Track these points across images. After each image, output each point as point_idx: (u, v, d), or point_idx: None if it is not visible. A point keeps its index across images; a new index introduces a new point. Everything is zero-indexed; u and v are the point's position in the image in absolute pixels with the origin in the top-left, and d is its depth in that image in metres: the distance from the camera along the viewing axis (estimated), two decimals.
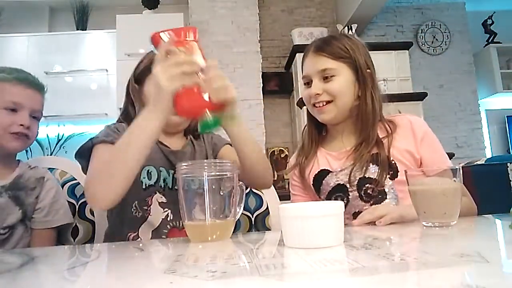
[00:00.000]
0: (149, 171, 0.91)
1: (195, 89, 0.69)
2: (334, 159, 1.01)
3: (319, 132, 1.09)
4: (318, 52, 0.99)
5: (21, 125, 0.95)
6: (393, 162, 0.94)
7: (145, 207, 0.89)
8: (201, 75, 0.70)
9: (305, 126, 1.12)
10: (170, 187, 0.93)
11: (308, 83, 1.02)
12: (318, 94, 0.97)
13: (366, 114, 0.97)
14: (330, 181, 0.99)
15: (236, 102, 0.74)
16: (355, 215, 0.94)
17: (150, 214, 0.89)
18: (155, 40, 0.73)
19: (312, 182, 1.03)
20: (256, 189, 1.18)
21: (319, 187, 1.01)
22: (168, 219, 0.90)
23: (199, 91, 0.70)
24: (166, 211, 0.91)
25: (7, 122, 0.93)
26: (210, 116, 0.70)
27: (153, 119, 0.71)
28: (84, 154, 0.88)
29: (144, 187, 0.90)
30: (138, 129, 0.71)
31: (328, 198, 0.99)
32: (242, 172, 0.89)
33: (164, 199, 0.91)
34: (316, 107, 1.00)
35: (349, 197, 0.96)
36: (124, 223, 0.90)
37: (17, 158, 1.04)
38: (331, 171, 1.00)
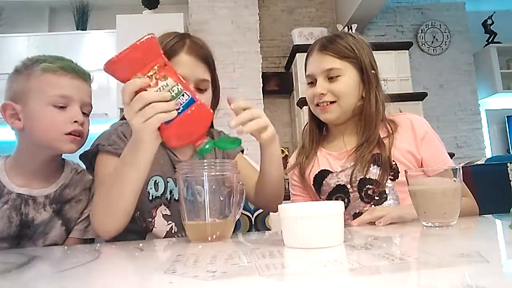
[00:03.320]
0: (157, 182, 0.88)
1: (178, 124, 0.64)
2: (335, 159, 1.01)
3: (320, 131, 1.09)
4: (323, 51, 0.98)
5: (75, 121, 0.84)
6: (394, 163, 0.94)
7: (149, 219, 0.87)
8: (182, 96, 0.64)
9: (306, 125, 1.11)
10: (176, 198, 0.89)
11: (312, 82, 1.01)
12: (322, 94, 0.96)
13: (370, 115, 0.96)
14: (331, 182, 0.99)
15: (268, 125, 0.76)
16: (356, 215, 0.93)
17: (155, 226, 0.87)
18: (112, 70, 0.62)
19: (312, 182, 1.03)
20: (261, 209, 1.16)
21: (320, 188, 1.01)
22: (173, 231, 0.88)
23: (183, 124, 0.64)
24: (170, 223, 0.88)
25: (59, 122, 0.82)
26: (204, 141, 0.68)
27: (141, 158, 0.69)
28: (89, 158, 0.87)
29: (150, 198, 0.87)
30: (128, 166, 0.70)
31: (329, 198, 0.99)
32: (256, 191, 0.90)
33: (168, 212, 0.89)
34: (320, 106, 0.99)
35: (350, 197, 0.96)
36: (127, 234, 0.88)
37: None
38: (332, 172, 0.99)
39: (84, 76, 0.89)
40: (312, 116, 1.07)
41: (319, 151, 1.06)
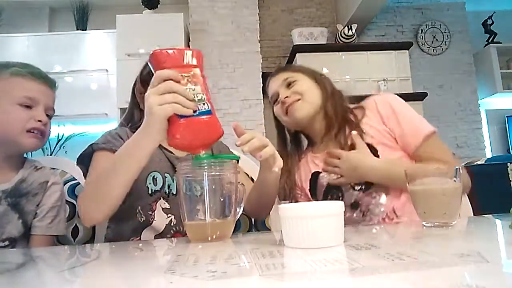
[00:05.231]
0: (155, 177, 0.91)
1: (189, 124, 0.65)
2: (320, 161, 1.05)
3: (297, 145, 1.16)
4: (277, 73, 1.12)
5: (39, 120, 0.90)
6: (371, 145, 0.97)
7: (150, 212, 0.89)
8: (203, 104, 0.66)
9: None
10: (174, 193, 0.92)
11: (276, 100, 1.09)
12: (287, 97, 1.04)
13: (332, 109, 1.04)
14: (323, 181, 1.02)
15: (274, 154, 0.79)
16: (354, 205, 0.97)
17: (154, 219, 0.89)
18: (156, 58, 0.67)
19: (308, 188, 1.05)
20: (250, 215, 1.18)
21: (315, 190, 1.04)
22: (172, 224, 0.90)
23: (192, 127, 0.66)
24: (170, 216, 0.90)
25: (24, 118, 0.88)
26: (199, 153, 0.69)
27: (143, 146, 0.70)
28: (85, 160, 0.89)
29: (150, 192, 0.90)
30: (127, 155, 0.71)
31: (325, 196, 1.01)
32: (248, 198, 0.93)
33: (167, 205, 0.91)
34: (289, 111, 1.04)
35: (343, 190, 0.99)
36: (126, 228, 0.90)
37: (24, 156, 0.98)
38: (321, 172, 1.03)
39: (50, 83, 0.96)
40: (283, 135, 1.15)
41: (306, 158, 1.10)
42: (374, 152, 0.96)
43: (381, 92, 3.40)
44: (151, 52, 0.67)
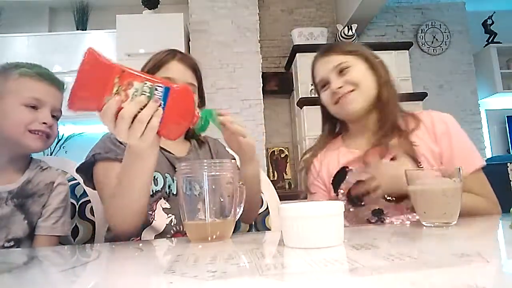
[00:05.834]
0: (156, 177, 0.91)
1: (168, 117, 0.64)
2: (356, 158, 0.98)
3: (332, 134, 1.11)
4: (327, 53, 1.02)
5: (44, 123, 0.89)
6: (420, 165, 0.90)
7: (150, 212, 0.89)
8: (155, 90, 0.63)
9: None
10: (175, 193, 0.92)
11: (325, 85, 1.02)
12: (340, 87, 0.97)
13: (387, 100, 0.98)
14: (351, 178, 0.96)
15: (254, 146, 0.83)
16: (375, 212, 0.92)
17: (155, 219, 0.89)
18: (80, 104, 0.61)
19: (331, 181, 1.01)
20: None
21: (339, 184, 0.98)
22: (172, 224, 0.90)
23: (173, 115, 0.65)
24: (170, 216, 0.90)
25: (28, 119, 0.87)
26: (198, 118, 0.69)
27: (143, 171, 0.71)
28: (86, 170, 0.89)
29: (151, 193, 0.89)
30: (130, 176, 0.71)
31: (348, 193, 0.96)
32: None
33: (168, 205, 0.91)
34: (341, 101, 0.97)
35: (370, 193, 0.91)
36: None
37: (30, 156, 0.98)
38: (352, 170, 0.97)
39: (59, 85, 0.95)
40: (328, 119, 1.09)
41: (339, 151, 1.04)
42: (417, 165, 0.90)
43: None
44: (67, 106, 0.61)
